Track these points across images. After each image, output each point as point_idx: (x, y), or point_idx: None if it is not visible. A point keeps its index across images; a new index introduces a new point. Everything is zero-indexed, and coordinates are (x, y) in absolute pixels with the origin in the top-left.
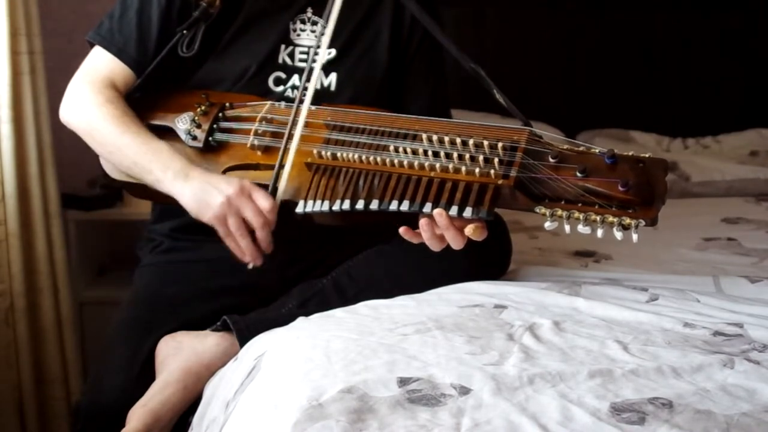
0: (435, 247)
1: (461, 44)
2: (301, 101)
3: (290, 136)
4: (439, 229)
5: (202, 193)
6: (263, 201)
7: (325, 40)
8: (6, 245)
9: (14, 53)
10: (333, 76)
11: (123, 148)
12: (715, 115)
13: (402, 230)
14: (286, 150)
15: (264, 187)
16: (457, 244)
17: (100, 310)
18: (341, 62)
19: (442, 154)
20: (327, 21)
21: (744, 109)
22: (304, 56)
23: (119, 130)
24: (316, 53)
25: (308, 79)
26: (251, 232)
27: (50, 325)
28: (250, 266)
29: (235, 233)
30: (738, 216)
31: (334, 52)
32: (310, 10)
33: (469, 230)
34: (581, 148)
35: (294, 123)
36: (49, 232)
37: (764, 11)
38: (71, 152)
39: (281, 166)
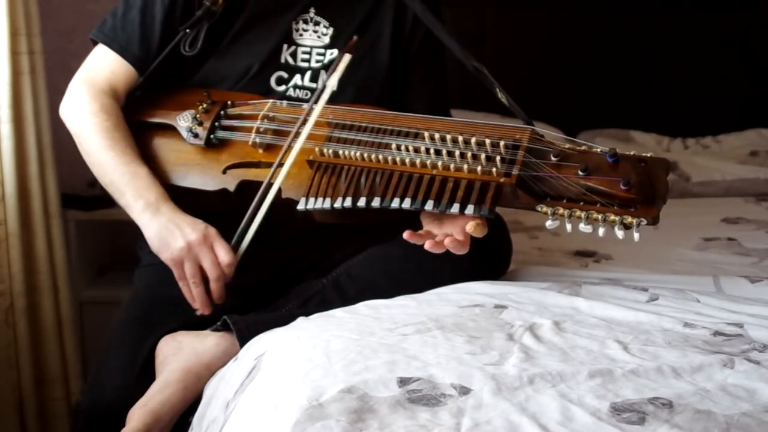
0: (437, 250)
1: (461, 44)
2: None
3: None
4: (439, 236)
5: (166, 232)
6: (223, 254)
7: (325, 95)
8: (6, 245)
9: (14, 53)
10: (326, 76)
11: (104, 165)
12: (715, 115)
13: (406, 234)
14: (280, 163)
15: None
16: (458, 250)
17: (100, 310)
18: None
19: (444, 152)
20: (330, 76)
21: (744, 109)
22: (306, 56)
23: (104, 144)
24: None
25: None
26: (206, 280)
27: (50, 325)
28: (198, 313)
29: (189, 279)
30: (738, 216)
31: (336, 52)
32: (312, 10)
33: (470, 227)
34: (583, 147)
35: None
36: (49, 232)
37: (764, 11)
38: (71, 152)
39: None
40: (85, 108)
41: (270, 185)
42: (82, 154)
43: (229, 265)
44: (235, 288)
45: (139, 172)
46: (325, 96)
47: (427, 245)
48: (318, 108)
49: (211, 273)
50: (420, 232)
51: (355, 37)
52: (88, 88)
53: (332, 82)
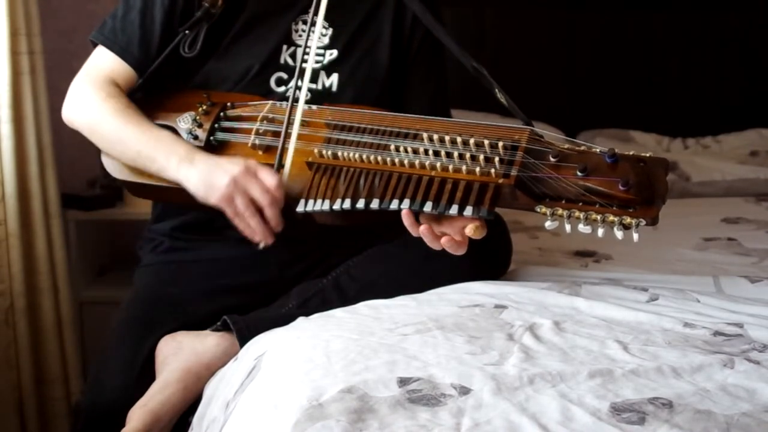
0: (437, 246)
1: (461, 44)
2: (296, 100)
3: (287, 136)
4: (438, 232)
5: (208, 175)
6: (269, 178)
7: (315, 37)
8: (6, 245)
9: (14, 53)
10: (335, 77)
11: (126, 140)
12: (715, 115)
13: (422, 229)
14: (284, 149)
15: (270, 166)
16: (454, 250)
17: (100, 310)
18: (343, 63)
19: (442, 153)
20: (312, 21)
21: (744, 109)
22: (306, 56)
23: (121, 122)
24: (306, 52)
25: (300, 79)
26: (260, 210)
27: (50, 325)
28: (261, 246)
29: (244, 213)
30: (738, 216)
31: (335, 52)
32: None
33: (469, 230)
34: (582, 148)
35: (289, 122)
36: (49, 232)
37: (764, 11)
38: (71, 152)
39: (281, 166)
40: (93, 97)
41: (297, 99)
42: (98, 143)
43: (277, 188)
44: (236, 288)
45: (162, 135)
46: (316, 33)
47: (423, 230)
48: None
49: (262, 200)
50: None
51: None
52: (91, 83)
53: (318, 24)
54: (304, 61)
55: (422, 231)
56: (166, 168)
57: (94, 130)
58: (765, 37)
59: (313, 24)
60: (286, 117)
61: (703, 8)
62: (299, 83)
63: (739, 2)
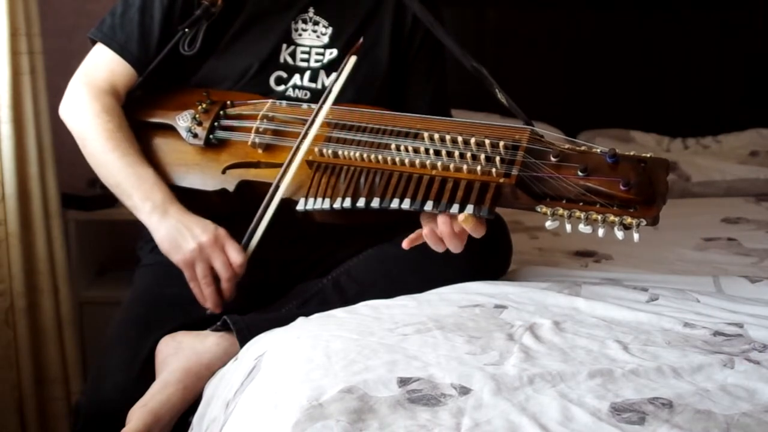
0: (439, 248)
1: (461, 44)
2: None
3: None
4: (439, 232)
5: (176, 233)
6: (235, 255)
7: (331, 98)
8: (6, 245)
9: (14, 53)
10: (334, 77)
11: (109, 166)
12: (715, 115)
13: (405, 245)
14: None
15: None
16: (454, 247)
17: (100, 310)
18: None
19: (443, 152)
20: (338, 77)
21: (744, 109)
22: (305, 56)
23: (109, 146)
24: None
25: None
26: (216, 279)
27: (50, 325)
28: (208, 312)
29: (201, 281)
30: (738, 216)
31: (335, 52)
32: (311, 10)
33: (461, 216)
34: (583, 148)
35: (301, 141)
36: (49, 232)
37: (764, 10)
38: (71, 152)
39: (258, 222)
40: (87, 109)
41: (278, 186)
42: (85, 155)
43: (240, 265)
44: (238, 287)
45: (144, 174)
46: (330, 100)
47: (425, 231)
48: (323, 112)
49: (222, 273)
50: (418, 231)
51: (361, 39)
52: (88, 88)
53: (338, 85)
54: (302, 60)
55: (425, 234)
56: (140, 210)
57: (83, 144)
58: (765, 37)
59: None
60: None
61: (703, 8)
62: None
63: (739, 2)
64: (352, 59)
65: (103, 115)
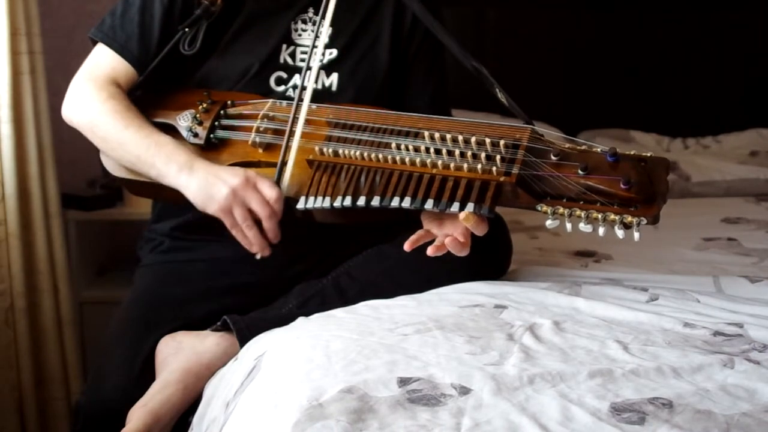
0: (439, 253)
1: (461, 44)
2: (301, 100)
3: (291, 134)
4: (439, 237)
5: (207, 185)
6: (269, 191)
7: (323, 38)
8: (6, 245)
9: (14, 53)
10: (334, 77)
11: (125, 143)
12: (715, 115)
13: (407, 246)
14: (287, 148)
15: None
16: (458, 251)
17: (100, 310)
18: (342, 63)
19: (444, 151)
20: (322, 19)
21: (744, 109)
22: (305, 56)
23: (122, 125)
24: (313, 51)
25: (306, 79)
26: (258, 222)
27: (50, 325)
28: (258, 257)
29: (242, 224)
30: (738, 216)
31: (335, 52)
32: (311, 10)
33: (463, 214)
34: (583, 147)
35: (294, 121)
36: (49, 232)
37: (764, 11)
38: (71, 152)
39: (283, 163)
40: (94, 98)
41: (300, 102)
42: (98, 143)
43: (277, 200)
44: (236, 288)
45: (163, 140)
46: (321, 44)
47: (430, 251)
48: (318, 55)
49: (261, 212)
50: (419, 232)
51: None
52: (91, 82)
53: (324, 32)
54: (302, 60)
55: (448, 243)
56: (166, 175)
57: (94, 132)
58: (765, 37)
59: (320, 23)
60: (291, 116)
61: (703, 8)
62: (305, 83)
63: (739, 2)
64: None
65: (110, 101)
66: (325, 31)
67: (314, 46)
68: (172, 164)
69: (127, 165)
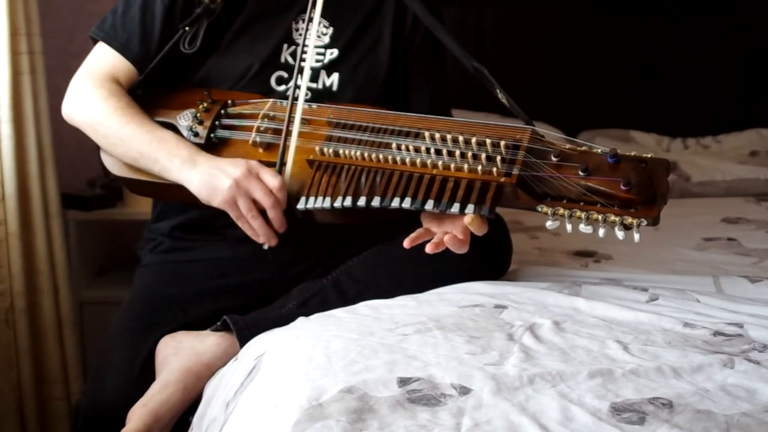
0: (438, 250)
1: (461, 44)
2: (296, 98)
3: (288, 133)
4: (438, 235)
5: (210, 178)
6: (271, 180)
7: (312, 36)
8: (6, 245)
9: (14, 53)
10: (335, 77)
11: (127, 139)
12: (715, 115)
13: (407, 244)
14: (285, 147)
15: (271, 166)
16: (457, 248)
17: (100, 310)
18: (343, 63)
19: (444, 151)
20: (310, 18)
21: (744, 109)
22: (306, 56)
23: (123, 121)
24: (304, 50)
25: (300, 77)
26: (263, 212)
27: (50, 325)
28: (265, 247)
29: (247, 215)
30: (738, 216)
31: (336, 52)
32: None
33: (468, 218)
34: (583, 148)
35: (290, 120)
36: (49, 232)
37: (764, 11)
38: (71, 152)
39: (282, 163)
40: (94, 95)
41: (296, 98)
42: (99, 141)
43: (280, 189)
44: (236, 288)
45: (165, 135)
46: (313, 31)
47: (428, 248)
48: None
49: (265, 202)
50: (419, 230)
51: None
52: (91, 80)
53: (314, 22)
54: (302, 59)
55: (447, 240)
56: (169, 170)
57: (96, 130)
58: (765, 37)
59: (311, 20)
60: (287, 114)
61: (703, 8)
62: (299, 81)
63: (739, 2)
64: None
65: (111, 98)
66: (314, 30)
67: (304, 45)
68: (174, 159)
69: (130, 161)
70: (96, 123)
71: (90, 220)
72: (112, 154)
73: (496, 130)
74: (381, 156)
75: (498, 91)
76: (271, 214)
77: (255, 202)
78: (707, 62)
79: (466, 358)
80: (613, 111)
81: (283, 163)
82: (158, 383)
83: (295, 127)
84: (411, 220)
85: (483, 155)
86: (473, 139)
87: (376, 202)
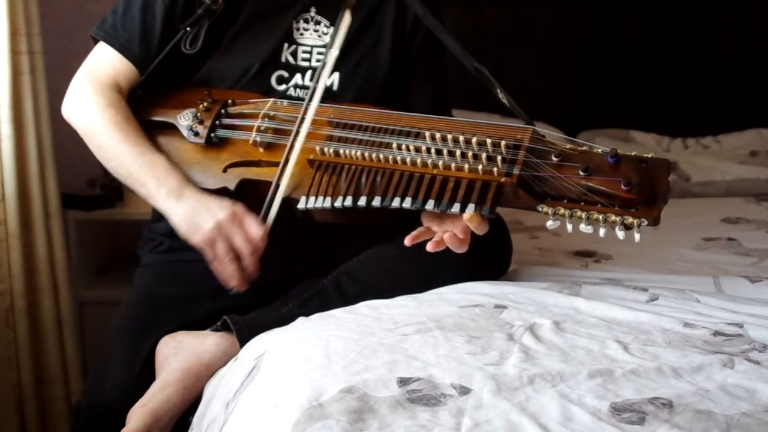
0: (438, 248)
1: (462, 44)
2: (309, 102)
3: (293, 141)
4: (438, 234)
5: (194, 214)
6: (255, 229)
7: (335, 51)
8: (6, 245)
9: (14, 53)
10: (335, 76)
11: (119, 157)
12: (715, 115)
13: (407, 241)
14: (287, 158)
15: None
16: (456, 247)
17: (100, 310)
18: (344, 62)
19: (445, 151)
20: (337, 30)
21: (744, 109)
22: (306, 55)
23: (117, 138)
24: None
25: (316, 81)
26: (238, 257)
27: (50, 325)
28: (233, 292)
29: (223, 259)
30: (738, 216)
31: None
32: (313, 10)
33: (466, 215)
34: (584, 148)
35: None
36: (49, 232)
37: (764, 11)
38: (71, 152)
39: (268, 209)
40: (93, 104)
41: (291, 150)
42: (93, 150)
43: (261, 239)
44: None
45: (156, 160)
46: (330, 63)
47: (429, 247)
48: (328, 67)
49: (244, 249)
50: (420, 228)
51: None
52: (92, 84)
53: (337, 45)
54: (304, 60)
55: (447, 239)
56: (155, 197)
57: (90, 138)
58: (765, 37)
59: (336, 31)
60: (291, 138)
61: (703, 8)
62: (315, 85)
63: (739, 2)
64: (347, 17)
65: (109, 109)
66: (334, 53)
67: (330, 46)
68: (162, 188)
69: (119, 178)
70: (91, 132)
71: (90, 220)
72: (104, 165)
73: (497, 130)
74: (381, 156)
75: (498, 91)
76: (247, 261)
77: (233, 247)
78: (707, 62)
79: (466, 358)
80: (613, 111)
81: (268, 209)
82: (158, 383)
83: (299, 142)
84: (411, 219)
85: (483, 155)
86: (474, 139)
87: (376, 202)
